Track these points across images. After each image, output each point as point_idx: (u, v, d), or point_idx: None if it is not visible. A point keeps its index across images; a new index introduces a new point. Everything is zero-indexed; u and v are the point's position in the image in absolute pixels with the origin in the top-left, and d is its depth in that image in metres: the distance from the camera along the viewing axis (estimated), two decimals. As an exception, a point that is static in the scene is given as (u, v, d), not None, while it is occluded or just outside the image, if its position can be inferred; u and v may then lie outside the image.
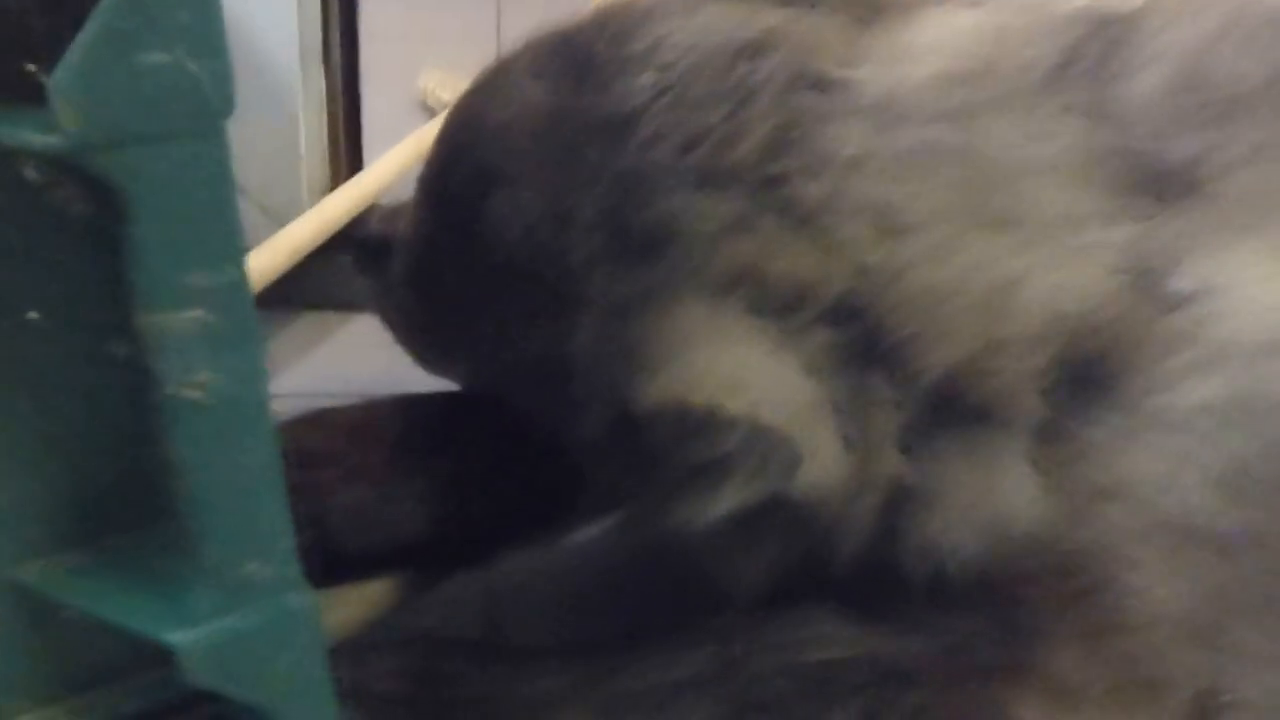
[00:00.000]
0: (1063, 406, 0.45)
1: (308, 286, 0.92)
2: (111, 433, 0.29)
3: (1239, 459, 0.44)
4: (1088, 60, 0.50)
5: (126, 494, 0.30)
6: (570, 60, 0.50)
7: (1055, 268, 0.45)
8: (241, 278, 0.27)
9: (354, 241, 0.64)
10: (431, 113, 1.43)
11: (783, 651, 0.46)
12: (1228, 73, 0.50)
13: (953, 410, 0.46)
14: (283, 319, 0.96)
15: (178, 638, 0.29)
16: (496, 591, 0.58)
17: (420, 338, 0.60)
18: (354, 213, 0.94)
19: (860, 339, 0.45)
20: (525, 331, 0.51)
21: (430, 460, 0.58)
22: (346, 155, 0.99)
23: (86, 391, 0.28)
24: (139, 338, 0.27)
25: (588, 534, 0.56)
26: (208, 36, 0.24)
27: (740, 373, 0.45)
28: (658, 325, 0.46)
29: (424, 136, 1.04)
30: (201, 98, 0.25)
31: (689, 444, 0.44)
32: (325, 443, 0.59)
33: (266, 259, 0.85)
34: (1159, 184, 0.47)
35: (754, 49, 0.48)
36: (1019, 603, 0.45)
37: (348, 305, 0.97)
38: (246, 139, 0.91)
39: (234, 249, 0.27)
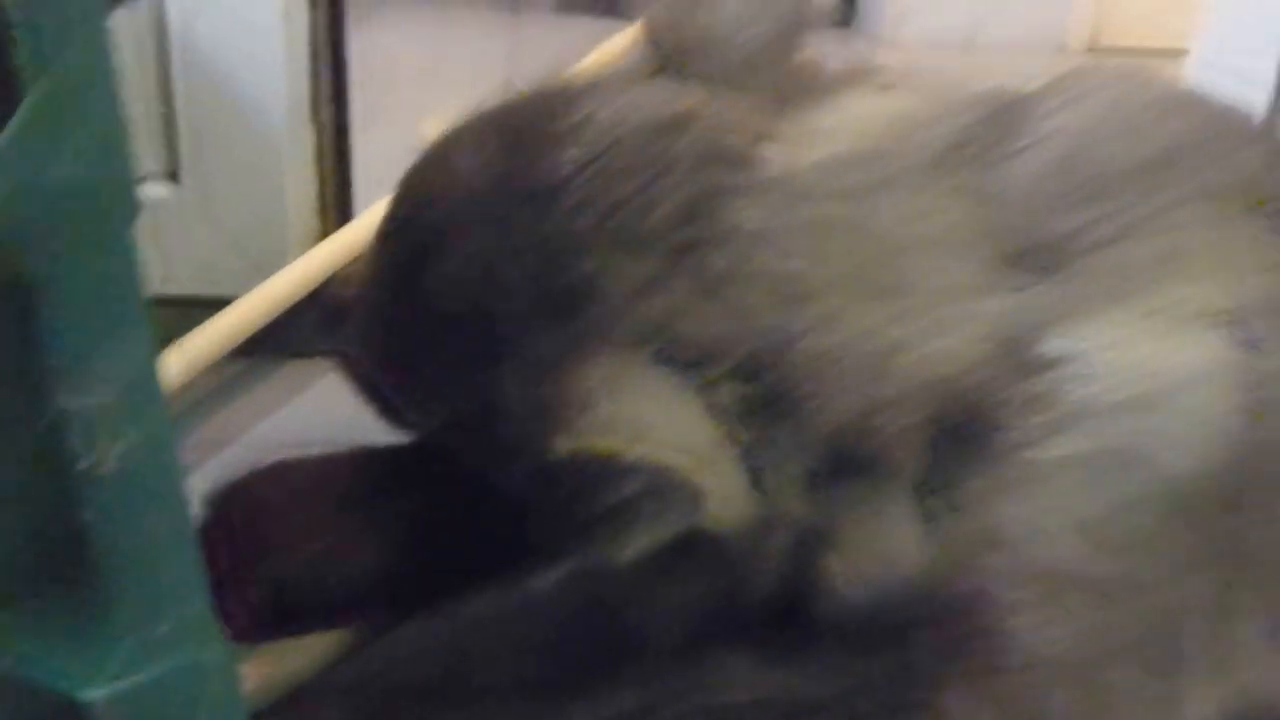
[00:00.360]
0: (941, 460, 0.48)
1: (293, 335, 0.93)
2: (29, 500, 0.31)
3: (1101, 509, 0.48)
4: (978, 144, 0.55)
5: (43, 558, 0.32)
6: (506, 136, 0.54)
7: (932, 335, 0.49)
8: (148, 362, 0.29)
9: (316, 306, 0.67)
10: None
11: (697, 694, 0.49)
12: (1101, 157, 0.54)
13: (845, 462, 0.49)
14: (269, 368, 0.98)
15: (90, 694, 0.31)
16: (443, 639, 0.60)
17: (376, 391, 0.63)
18: (341, 263, 0.96)
19: (765, 393, 0.48)
20: (462, 384, 0.54)
21: (382, 512, 0.60)
22: (335, 206, 1.00)
23: (6, 463, 0.30)
24: (54, 416, 0.29)
25: (529, 580, 0.59)
26: (111, 151, 0.27)
27: (644, 421, 0.48)
28: (573, 378, 0.49)
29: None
30: (104, 206, 0.27)
31: (597, 490, 0.47)
32: (281, 496, 0.61)
33: (253, 308, 0.87)
34: (1033, 259, 0.51)
35: (672, 127, 0.52)
36: (912, 645, 0.48)
37: (332, 353, 1.00)
38: (234, 190, 0.93)
39: (140, 337, 0.29)
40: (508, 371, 0.51)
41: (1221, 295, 0.52)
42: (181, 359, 0.81)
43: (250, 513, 0.60)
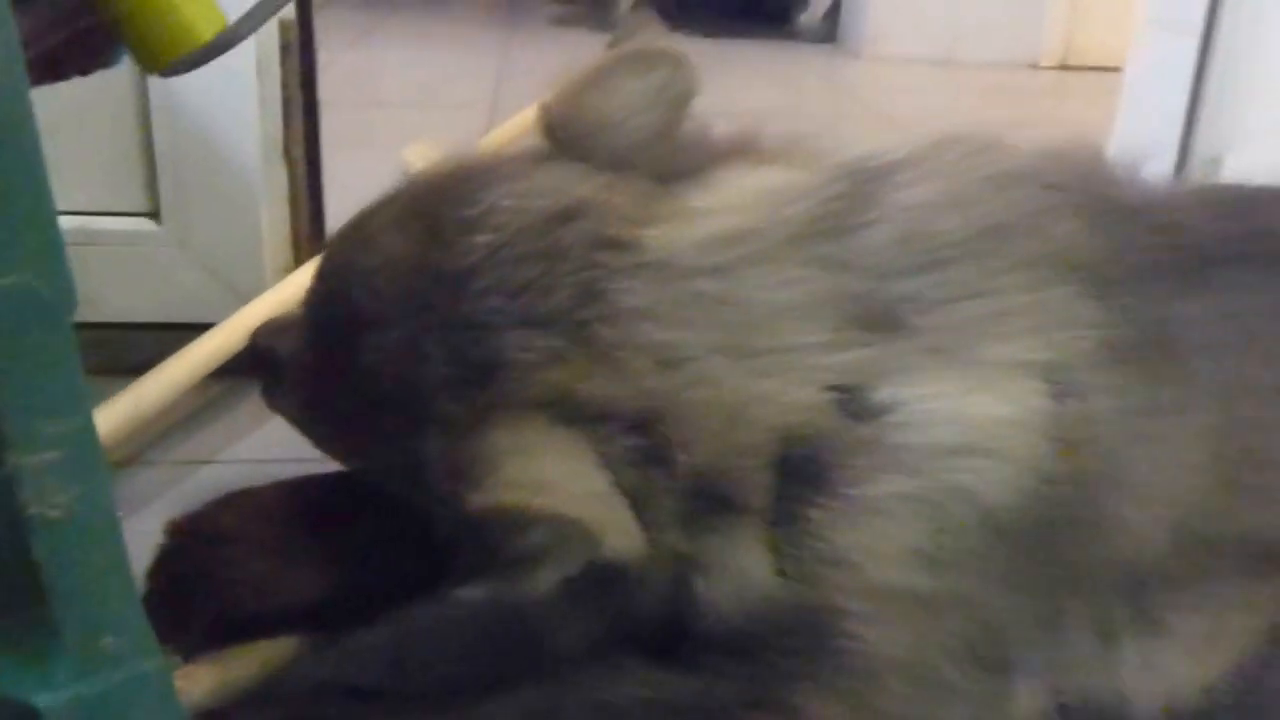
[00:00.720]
0: (787, 495, 0.54)
1: None
2: None
3: (926, 537, 0.53)
4: (835, 217, 0.59)
5: (5, 587, 0.37)
6: (423, 218, 0.59)
7: (781, 388, 0.54)
8: (87, 423, 0.35)
9: (248, 350, 0.71)
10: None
11: (595, 690, 0.55)
12: (939, 229, 0.59)
13: (708, 499, 0.54)
14: (244, 390, 1.00)
15: (43, 700, 0.37)
16: (380, 647, 0.66)
17: (308, 434, 0.69)
18: None
19: (650, 445, 0.54)
20: (388, 445, 0.59)
21: (324, 535, 0.66)
22: (308, 237, 1.05)
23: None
24: (9, 471, 0.35)
25: (458, 596, 0.64)
26: (50, 261, 0.33)
27: (546, 477, 0.53)
28: (484, 440, 0.54)
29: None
30: (46, 305, 0.33)
31: (507, 539, 0.52)
32: (233, 522, 0.67)
33: (231, 334, 0.92)
34: (875, 320, 0.56)
35: (566, 215, 0.57)
36: (772, 652, 0.54)
37: None
38: (214, 225, 0.99)
39: (81, 405, 0.35)
40: (428, 436, 0.56)
41: (1036, 351, 0.56)
42: (166, 381, 0.87)
43: (204, 537, 0.66)
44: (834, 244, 0.58)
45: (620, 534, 0.53)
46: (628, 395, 0.54)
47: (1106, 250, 0.61)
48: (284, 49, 0.98)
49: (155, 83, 0.92)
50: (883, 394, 0.54)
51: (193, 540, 0.67)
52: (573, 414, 0.54)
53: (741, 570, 0.54)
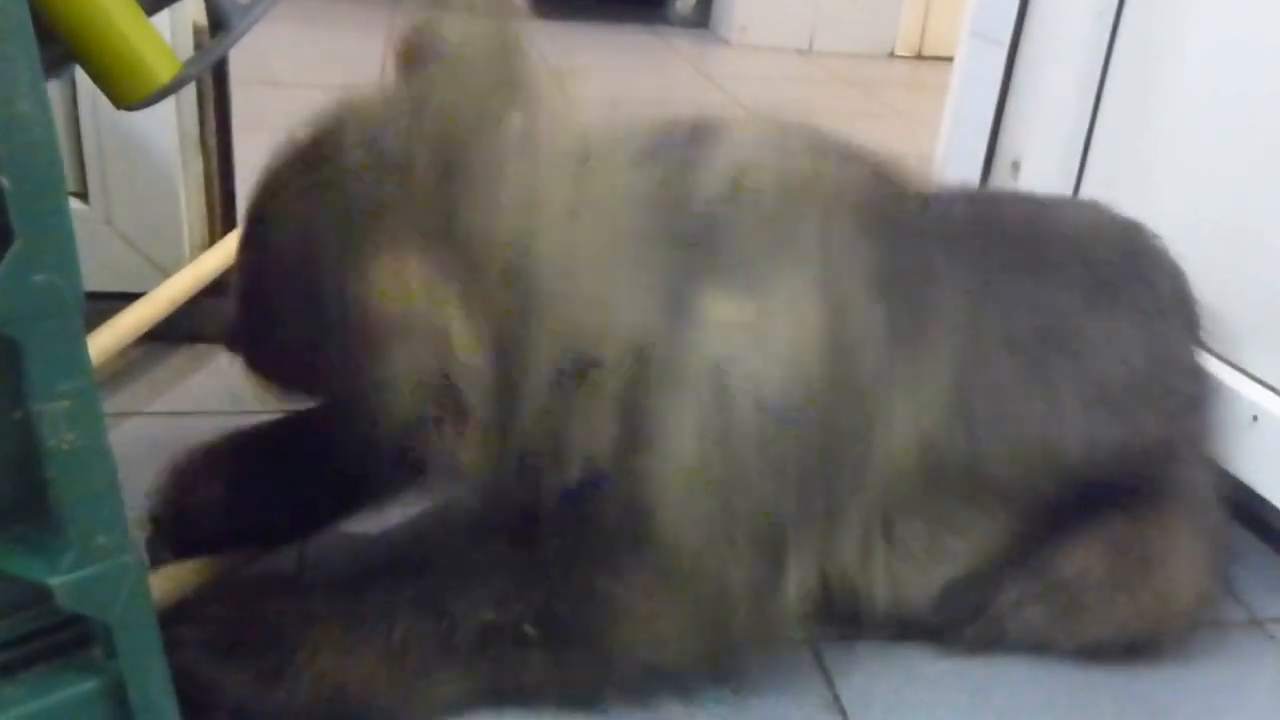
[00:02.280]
0: (631, 379, 0.64)
1: (188, 323, 1.07)
2: (15, 463, 0.48)
3: (710, 421, 0.65)
4: (676, 152, 0.70)
5: (23, 499, 0.49)
6: (311, 146, 0.67)
7: (628, 287, 0.65)
8: (89, 382, 0.47)
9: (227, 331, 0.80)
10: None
11: (456, 561, 0.67)
12: (753, 176, 0.70)
13: (563, 375, 0.64)
14: (168, 350, 1.09)
15: (55, 581, 0.49)
16: (309, 555, 0.79)
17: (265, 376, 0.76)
18: (227, 266, 1.10)
19: (520, 294, 0.62)
20: (308, 318, 0.65)
21: (270, 466, 0.79)
22: (222, 218, 1.13)
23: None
24: (32, 415, 0.47)
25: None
26: (68, 266, 0.44)
27: (410, 286, 0.60)
28: (365, 275, 0.60)
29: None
30: (63, 297, 0.45)
31: (371, 333, 0.60)
32: (199, 457, 0.80)
33: (155, 302, 1.00)
34: (693, 237, 0.67)
35: (422, 107, 0.64)
36: (604, 523, 0.66)
37: (219, 339, 1.11)
38: (137, 204, 1.07)
39: (85, 368, 0.47)
40: (330, 297, 0.62)
41: (817, 274, 0.68)
42: (97, 345, 0.92)
43: (177, 472, 0.79)
44: (674, 169, 0.68)
45: (465, 345, 0.60)
46: (496, 241, 0.62)
47: (884, 200, 0.74)
48: (198, 47, 1.04)
49: (83, 79, 0.97)
50: (697, 299, 0.65)
51: (168, 476, 0.80)
52: (447, 262, 0.61)
53: (594, 432, 0.64)
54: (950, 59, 1.48)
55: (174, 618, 0.65)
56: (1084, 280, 0.81)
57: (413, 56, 0.68)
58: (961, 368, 0.74)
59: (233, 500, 0.78)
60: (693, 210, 0.68)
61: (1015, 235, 0.82)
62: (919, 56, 3.25)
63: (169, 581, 0.70)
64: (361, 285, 0.61)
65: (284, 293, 0.67)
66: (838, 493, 0.71)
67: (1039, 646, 0.79)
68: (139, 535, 0.78)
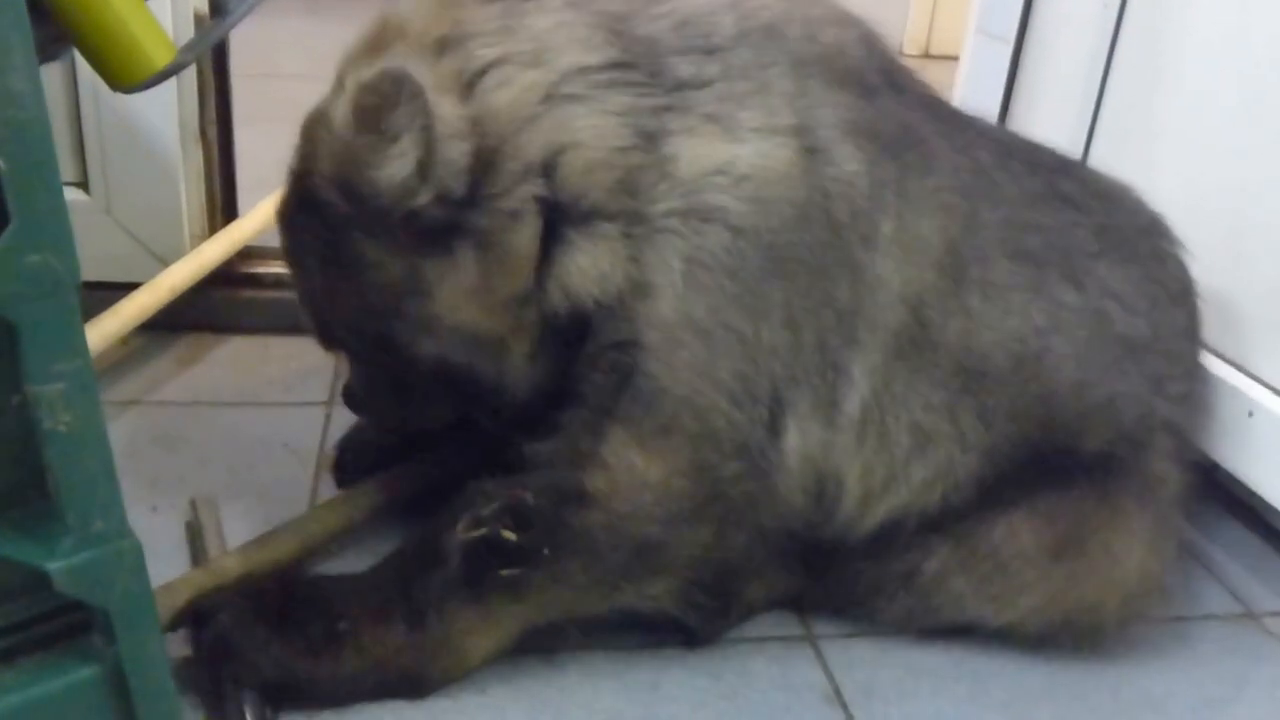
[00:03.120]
0: (625, 211, 0.68)
1: (189, 312, 1.07)
2: (12, 446, 0.48)
3: (687, 250, 0.67)
4: (615, 5, 0.72)
5: (21, 483, 0.49)
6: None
7: (592, 106, 0.68)
8: (86, 363, 0.47)
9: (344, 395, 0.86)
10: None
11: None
12: (717, 25, 0.72)
13: (567, 203, 0.68)
14: (169, 339, 1.10)
15: (53, 566, 0.49)
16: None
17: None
18: (227, 255, 1.10)
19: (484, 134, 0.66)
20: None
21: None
22: (222, 208, 1.13)
23: (-2, 425, 0.47)
24: (28, 397, 0.46)
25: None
26: (63, 247, 0.44)
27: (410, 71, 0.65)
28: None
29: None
30: (58, 277, 0.44)
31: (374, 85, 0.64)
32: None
33: (156, 291, 1.00)
34: (665, 86, 0.69)
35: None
36: (590, 385, 0.68)
37: (222, 328, 1.13)
38: (138, 195, 1.07)
39: (81, 351, 0.46)
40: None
41: (789, 120, 0.70)
42: (100, 333, 0.93)
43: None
44: (614, 9, 0.72)
45: (446, 107, 0.64)
46: (455, 83, 0.66)
47: (875, 65, 0.75)
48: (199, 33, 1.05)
49: (83, 69, 0.98)
50: (669, 144, 0.68)
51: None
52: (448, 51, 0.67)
53: (600, 265, 0.68)
54: (957, 58, 1.48)
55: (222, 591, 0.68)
56: (1100, 228, 0.81)
57: None
58: (955, 241, 0.73)
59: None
60: (654, 59, 0.70)
61: (1036, 161, 0.82)
62: (927, 55, 3.24)
63: (186, 588, 0.69)
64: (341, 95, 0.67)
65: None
66: (830, 341, 0.70)
67: (968, 625, 0.77)
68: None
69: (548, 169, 0.67)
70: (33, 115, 0.43)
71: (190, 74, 1.05)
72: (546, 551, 0.65)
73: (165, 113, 1.04)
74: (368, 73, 0.65)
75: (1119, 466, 0.77)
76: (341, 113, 0.65)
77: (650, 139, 0.68)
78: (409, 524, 0.83)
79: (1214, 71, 1.01)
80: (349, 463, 0.88)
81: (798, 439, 0.70)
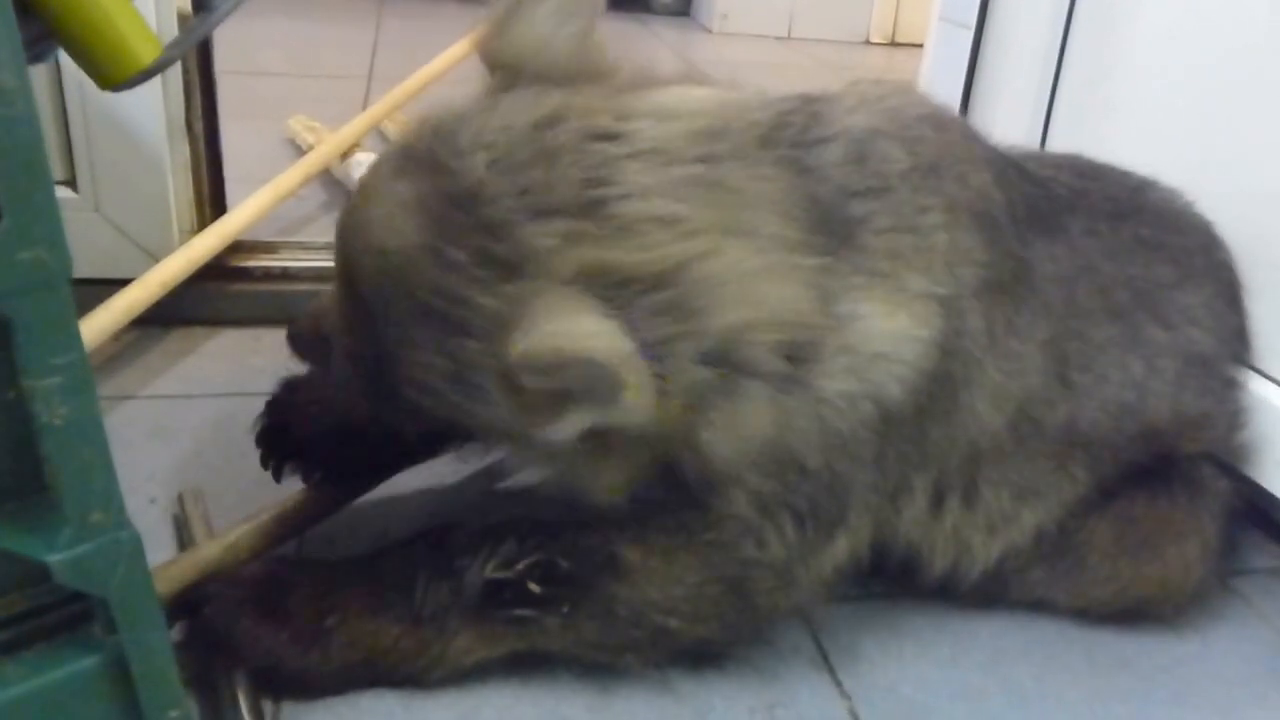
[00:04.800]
0: (787, 372, 0.62)
1: (180, 306, 1.05)
2: (9, 440, 0.47)
3: (842, 423, 0.64)
4: (794, 129, 0.66)
5: (18, 476, 0.48)
6: (419, 160, 0.60)
7: (779, 281, 0.61)
8: (81, 357, 0.46)
9: (290, 336, 0.73)
10: (298, 150, 1.58)
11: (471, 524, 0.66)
12: (888, 156, 0.67)
13: (726, 359, 0.60)
14: (159, 334, 1.08)
15: (53, 558, 0.47)
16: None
17: (368, 397, 0.67)
18: (217, 250, 1.08)
19: (671, 301, 0.57)
20: (437, 357, 0.59)
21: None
22: (210, 203, 1.12)
23: (-6, 420, 0.46)
24: (24, 391, 0.45)
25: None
26: (56, 242, 0.43)
27: (582, 329, 0.55)
28: (524, 313, 0.55)
29: (277, 187, 1.19)
30: (52, 272, 0.43)
31: (544, 377, 0.55)
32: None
33: (146, 287, 0.98)
34: (836, 230, 0.64)
35: (550, 120, 0.59)
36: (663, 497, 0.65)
37: (213, 321, 1.12)
38: (126, 192, 1.06)
39: (76, 344, 0.45)
40: (471, 333, 0.57)
41: (944, 285, 0.67)
42: (91, 329, 0.91)
43: (296, 387, 0.83)
44: (799, 151, 0.64)
45: (640, 390, 0.55)
46: (650, 260, 0.57)
47: (1004, 202, 0.73)
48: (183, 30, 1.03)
49: (69, 67, 0.96)
50: (847, 304, 0.64)
51: (290, 390, 0.82)
52: (600, 283, 0.56)
53: (741, 423, 0.61)
54: (922, 46, 1.49)
55: (210, 580, 0.66)
56: (1175, 258, 0.83)
57: (500, 61, 0.64)
58: (1058, 341, 0.74)
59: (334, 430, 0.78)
60: (827, 192, 0.64)
61: (1119, 212, 0.83)
62: (892, 43, 3.25)
63: (178, 570, 0.69)
64: (520, 320, 0.55)
65: (406, 327, 0.60)
66: (905, 471, 0.71)
67: (1038, 604, 0.80)
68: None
69: (727, 342, 0.60)
70: (22, 112, 0.42)
71: (175, 69, 1.03)
72: (566, 609, 0.65)
73: (151, 108, 1.02)
74: (555, 337, 0.54)
75: (1198, 474, 0.81)
76: (514, 361, 0.55)
77: (827, 296, 0.62)
78: (398, 513, 0.82)
79: (1166, 53, 1.01)
80: (275, 452, 0.81)
81: (845, 551, 0.69)
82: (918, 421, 0.68)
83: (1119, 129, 1.07)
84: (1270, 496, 0.87)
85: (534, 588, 0.64)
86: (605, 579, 0.65)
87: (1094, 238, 0.79)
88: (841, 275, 0.63)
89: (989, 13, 1.33)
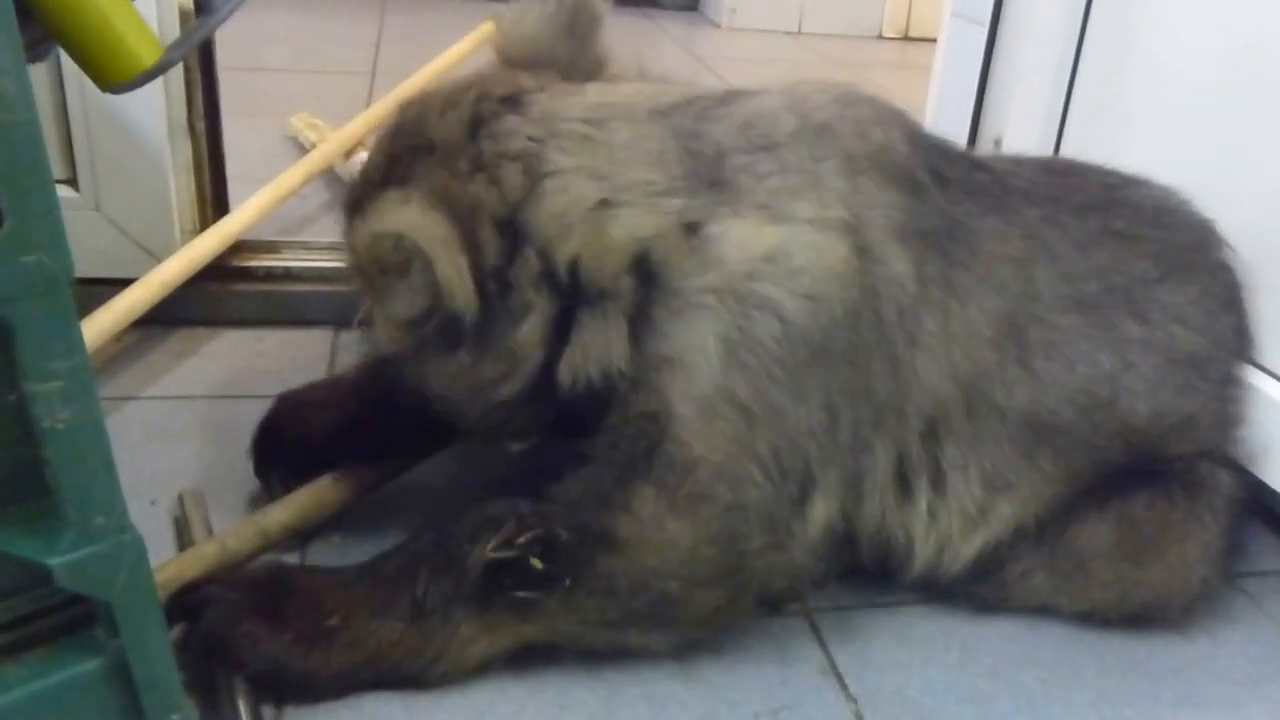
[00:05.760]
0: (641, 291, 0.69)
1: (182, 307, 1.06)
2: (11, 444, 0.47)
3: (728, 331, 0.68)
4: (697, 107, 0.74)
5: (20, 480, 0.48)
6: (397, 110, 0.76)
7: (637, 210, 0.69)
8: (83, 361, 0.46)
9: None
10: (300, 148, 1.58)
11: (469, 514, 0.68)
12: (773, 122, 0.74)
13: (582, 289, 0.69)
14: (162, 334, 1.09)
15: (55, 561, 0.48)
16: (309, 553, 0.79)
17: None
18: (219, 250, 1.09)
19: (514, 233, 0.69)
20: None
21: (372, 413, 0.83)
22: (212, 202, 1.12)
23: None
24: (26, 395, 0.46)
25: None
26: (57, 246, 0.44)
27: (406, 218, 0.67)
28: (379, 201, 0.69)
29: (279, 186, 1.20)
30: (53, 276, 0.44)
31: (372, 252, 0.67)
32: (313, 395, 0.87)
33: (148, 287, 0.99)
34: (710, 178, 0.71)
35: (467, 85, 0.74)
36: (616, 448, 0.69)
37: (214, 322, 1.12)
38: (127, 191, 1.06)
39: (78, 348, 0.46)
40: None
41: (842, 215, 0.71)
42: (94, 329, 0.92)
43: (294, 403, 0.87)
44: (689, 122, 0.73)
45: (453, 269, 0.66)
46: (496, 194, 0.68)
47: (920, 160, 0.76)
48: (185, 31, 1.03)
49: (69, 66, 0.97)
50: (712, 227, 0.69)
51: (286, 404, 0.86)
52: (451, 205, 0.68)
53: (606, 345, 0.69)
54: (936, 40, 1.48)
55: (210, 581, 0.67)
56: (1158, 253, 0.83)
57: (503, 53, 0.79)
58: (1015, 320, 0.75)
59: (341, 428, 0.83)
60: (708, 151, 0.71)
61: (1086, 204, 0.83)
62: (905, 38, 3.24)
63: (177, 567, 0.69)
64: (374, 207, 0.68)
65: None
66: (861, 425, 0.72)
67: (1042, 609, 0.80)
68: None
69: (573, 266, 0.69)
70: (23, 117, 0.42)
71: (177, 69, 1.03)
72: (567, 583, 0.66)
73: (153, 108, 1.03)
74: (382, 221, 0.67)
75: (1200, 476, 0.81)
76: (358, 244, 0.68)
77: (690, 226, 0.69)
78: (396, 515, 0.83)
79: (1184, 50, 1.01)
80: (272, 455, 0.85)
81: (822, 512, 0.72)
82: (851, 361, 0.70)
83: (1136, 126, 1.07)
84: (1277, 496, 0.87)
85: (536, 563, 0.65)
86: (602, 551, 0.66)
87: (1054, 226, 0.80)
88: (707, 208, 0.71)
89: (1003, 8, 1.33)
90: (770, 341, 0.68)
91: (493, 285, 0.68)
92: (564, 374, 0.70)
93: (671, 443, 0.67)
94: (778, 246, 0.68)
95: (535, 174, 0.69)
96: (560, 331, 0.70)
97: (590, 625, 0.68)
